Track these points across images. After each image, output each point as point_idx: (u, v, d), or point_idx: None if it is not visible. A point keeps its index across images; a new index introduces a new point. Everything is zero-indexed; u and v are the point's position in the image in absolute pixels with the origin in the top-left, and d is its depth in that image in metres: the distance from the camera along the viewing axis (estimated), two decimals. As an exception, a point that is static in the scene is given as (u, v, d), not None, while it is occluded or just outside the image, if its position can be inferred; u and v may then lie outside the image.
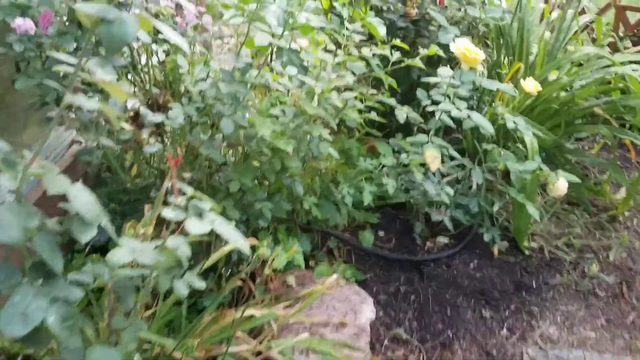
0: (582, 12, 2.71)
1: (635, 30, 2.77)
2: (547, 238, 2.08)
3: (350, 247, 1.82)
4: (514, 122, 1.76)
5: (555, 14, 2.64)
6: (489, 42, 2.35)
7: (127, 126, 1.18)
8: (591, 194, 2.28)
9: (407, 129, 1.77)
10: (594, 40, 2.82)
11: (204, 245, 1.34)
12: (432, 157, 1.50)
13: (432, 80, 1.58)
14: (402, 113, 1.67)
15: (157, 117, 1.13)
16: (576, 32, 2.53)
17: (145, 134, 1.24)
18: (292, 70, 1.17)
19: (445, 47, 1.84)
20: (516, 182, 1.84)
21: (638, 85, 1.88)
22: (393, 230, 1.92)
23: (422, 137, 1.56)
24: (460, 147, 2.20)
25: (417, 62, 1.60)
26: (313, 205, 1.56)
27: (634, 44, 2.77)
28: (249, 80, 1.16)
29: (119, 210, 1.36)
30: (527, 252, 1.99)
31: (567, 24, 2.33)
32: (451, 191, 1.69)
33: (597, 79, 1.97)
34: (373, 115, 1.59)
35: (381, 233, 1.89)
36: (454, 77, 1.56)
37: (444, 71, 1.59)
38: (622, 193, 2.25)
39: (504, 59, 2.40)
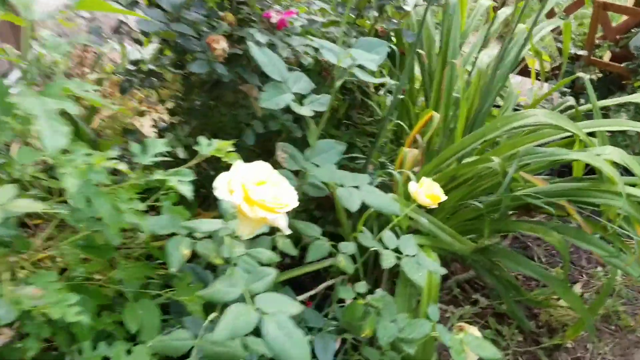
0: (551, 13, 1.87)
1: (618, 37, 1.95)
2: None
3: None
4: (398, 255, 1.00)
5: (505, 12, 1.80)
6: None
7: None
8: (531, 303, 1.55)
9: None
10: (560, 51, 1.99)
11: None
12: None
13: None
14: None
15: None
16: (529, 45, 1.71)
17: None
18: None
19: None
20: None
21: (613, 178, 1.10)
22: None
23: None
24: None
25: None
26: None
27: (615, 58, 1.96)
28: None
29: None
30: None
31: (515, 45, 1.50)
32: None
33: (547, 159, 1.19)
34: None
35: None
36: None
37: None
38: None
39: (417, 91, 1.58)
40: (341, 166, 1.54)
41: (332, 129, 1.50)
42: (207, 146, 0.83)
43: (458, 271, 1.57)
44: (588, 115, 1.47)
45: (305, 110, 0.96)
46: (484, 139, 1.18)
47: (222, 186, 0.65)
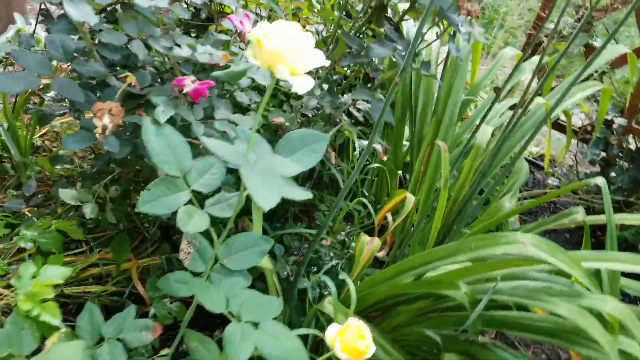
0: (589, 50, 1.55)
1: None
2: None
3: None
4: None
5: (533, 63, 1.50)
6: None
7: None
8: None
9: None
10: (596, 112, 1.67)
11: None
12: None
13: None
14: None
15: None
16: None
17: None
18: None
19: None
20: None
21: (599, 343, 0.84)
22: None
23: None
24: None
25: None
26: None
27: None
28: None
29: None
30: None
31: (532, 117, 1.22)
32: None
33: (523, 301, 0.93)
34: None
35: None
36: None
37: None
38: None
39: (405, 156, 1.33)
40: (297, 235, 1.31)
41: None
42: (30, 279, 0.62)
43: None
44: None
45: (197, 222, 0.72)
46: (453, 259, 0.93)
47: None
